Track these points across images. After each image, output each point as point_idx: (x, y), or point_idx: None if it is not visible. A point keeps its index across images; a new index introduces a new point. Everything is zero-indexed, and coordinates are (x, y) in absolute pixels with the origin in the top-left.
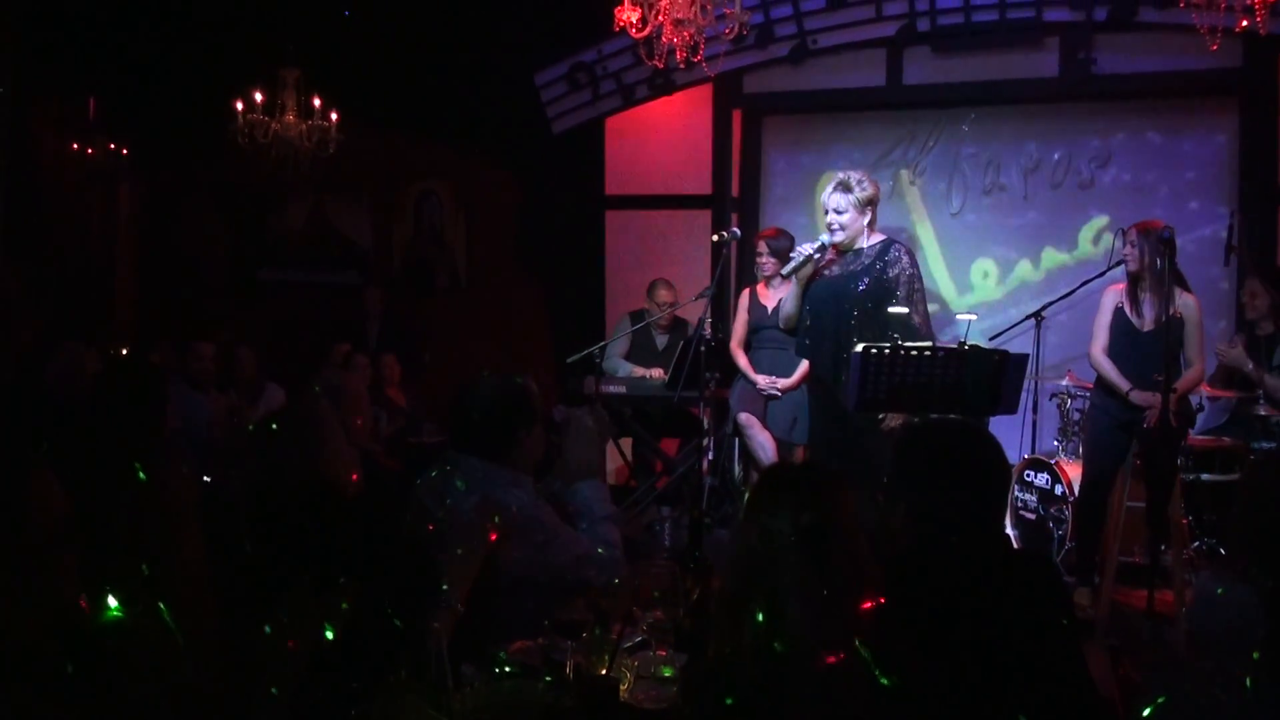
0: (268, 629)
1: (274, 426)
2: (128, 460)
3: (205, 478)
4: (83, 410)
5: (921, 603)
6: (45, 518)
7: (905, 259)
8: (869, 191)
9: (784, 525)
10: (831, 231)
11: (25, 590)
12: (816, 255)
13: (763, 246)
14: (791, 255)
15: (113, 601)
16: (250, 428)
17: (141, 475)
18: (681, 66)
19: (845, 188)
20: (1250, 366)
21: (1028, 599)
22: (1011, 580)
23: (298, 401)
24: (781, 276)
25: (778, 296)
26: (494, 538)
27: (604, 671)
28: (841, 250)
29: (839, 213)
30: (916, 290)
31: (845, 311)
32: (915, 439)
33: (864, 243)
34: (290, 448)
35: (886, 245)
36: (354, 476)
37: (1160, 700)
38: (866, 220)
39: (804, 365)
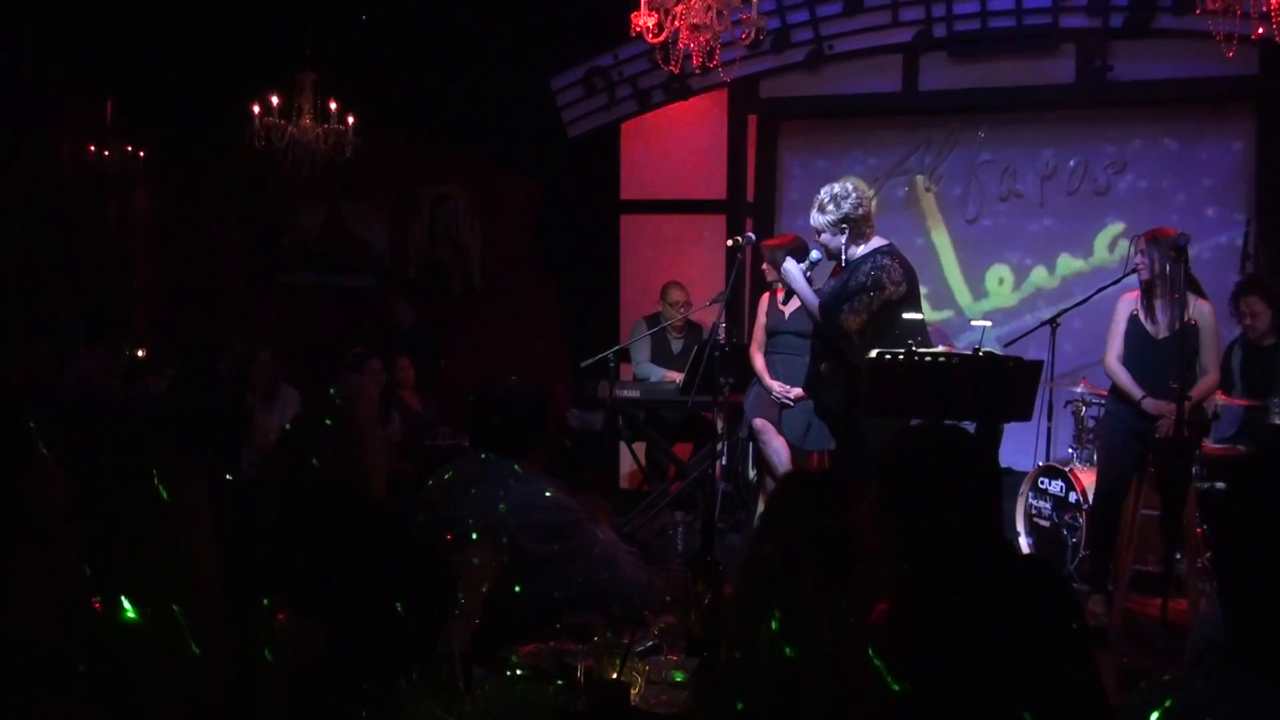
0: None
1: (327, 423)
2: (148, 461)
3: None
4: (109, 410)
5: (929, 609)
6: (44, 503)
7: (867, 266)
8: (843, 210)
9: (803, 531)
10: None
11: (26, 575)
12: (808, 272)
13: (765, 254)
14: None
15: (126, 604)
16: (287, 426)
17: (164, 491)
18: (697, 71)
19: (819, 208)
20: None
21: (1035, 604)
22: (1017, 585)
23: (334, 402)
24: (780, 304)
25: (794, 302)
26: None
27: (615, 675)
28: (838, 264)
29: (818, 232)
30: (867, 293)
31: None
32: (897, 448)
33: (851, 255)
34: (328, 448)
35: (868, 256)
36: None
37: (1168, 704)
38: (843, 238)
39: None
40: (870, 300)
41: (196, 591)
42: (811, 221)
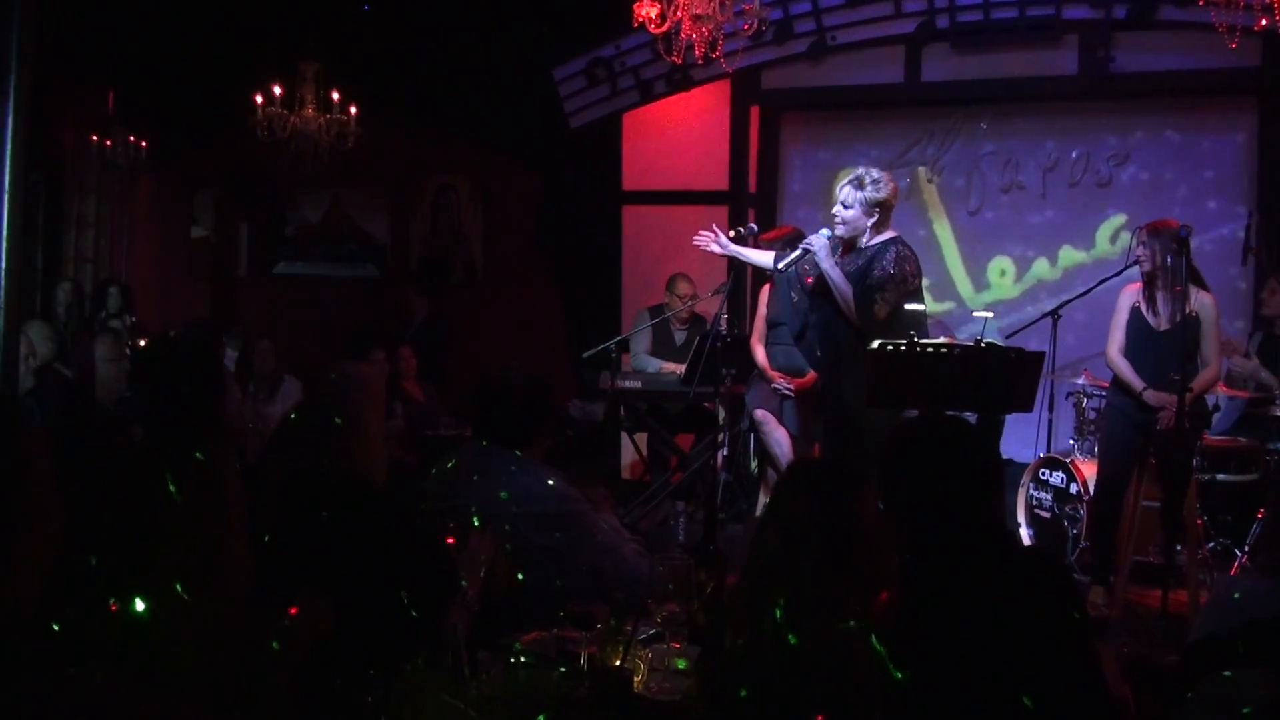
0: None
1: (333, 418)
2: (185, 448)
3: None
4: (128, 400)
5: (932, 599)
6: (30, 472)
7: (891, 255)
8: (881, 194)
9: (808, 519)
10: (834, 225)
11: (13, 543)
12: (813, 250)
13: (761, 247)
14: (795, 249)
15: (140, 605)
16: (293, 415)
17: (171, 489)
18: (700, 62)
19: (858, 184)
20: (1264, 375)
21: (1036, 594)
22: (1018, 575)
23: (333, 391)
24: (778, 270)
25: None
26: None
27: (618, 663)
28: (848, 246)
29: (845, 207)
30: (895, 283)
31: (834, 308)
32: (899, 439)
33: (867, 241)
34: (328, 437)
35: (886, 245)
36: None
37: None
38: (871, 221)
39: None
40: (899, 290)
41: (230, 582)
42: (841, 195)
